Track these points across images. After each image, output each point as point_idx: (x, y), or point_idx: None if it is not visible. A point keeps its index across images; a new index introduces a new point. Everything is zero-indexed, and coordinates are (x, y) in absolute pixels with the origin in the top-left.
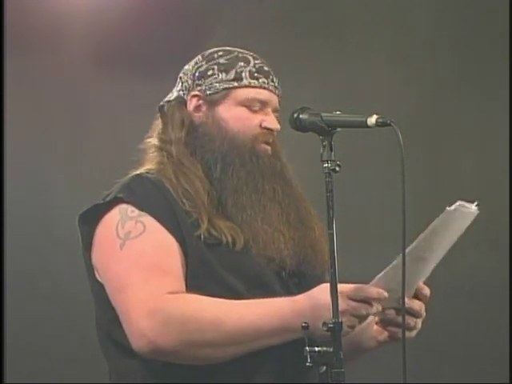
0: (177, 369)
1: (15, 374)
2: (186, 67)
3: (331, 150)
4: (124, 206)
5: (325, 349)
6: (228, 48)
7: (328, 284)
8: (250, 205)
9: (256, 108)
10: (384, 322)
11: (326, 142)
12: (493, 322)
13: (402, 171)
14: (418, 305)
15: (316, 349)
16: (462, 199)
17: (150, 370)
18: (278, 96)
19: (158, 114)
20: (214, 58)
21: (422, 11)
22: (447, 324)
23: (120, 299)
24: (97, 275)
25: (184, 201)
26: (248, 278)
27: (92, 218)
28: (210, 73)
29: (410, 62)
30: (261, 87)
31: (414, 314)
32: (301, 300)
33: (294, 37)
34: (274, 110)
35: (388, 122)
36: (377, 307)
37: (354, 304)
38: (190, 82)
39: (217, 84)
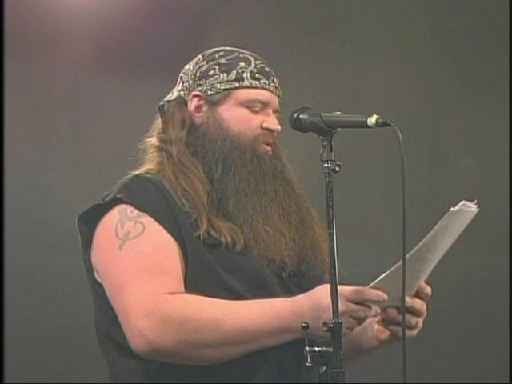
0: (176, 369)
1: (15, 374)
2: (187, 67)
3: (331, 150)
4: (123, 206)
5: (325, 349)
6: (229, 48)
7: (328, 284)
8: (251, 205)
9: (257, 109)
10: (386, 321)
11: (325, 142)
12: (493, 322)
13: (401, 171)
14: (419, 303)
15: (316, 349)
16: (462, 199)
17: (150, 371)
18: (278, 97)
19: (158, 114)
20: (214, 58)
21: (422, 11)
22: (447, 324)
23: (119, 299)
24: (96, 275)
25: (183, 201)
26: (248, 279)
27: (91, 218)
28: (211, 73)
29: (410, 61)
30: (262, 88)
31: (416, 312)
32: (300, 300)
33: (294, 37)
34: (275, 111)
35: (388, 122)
36: (375, 309)
37: (352, 306)
38: (190, 81)
39: (218, 84)
